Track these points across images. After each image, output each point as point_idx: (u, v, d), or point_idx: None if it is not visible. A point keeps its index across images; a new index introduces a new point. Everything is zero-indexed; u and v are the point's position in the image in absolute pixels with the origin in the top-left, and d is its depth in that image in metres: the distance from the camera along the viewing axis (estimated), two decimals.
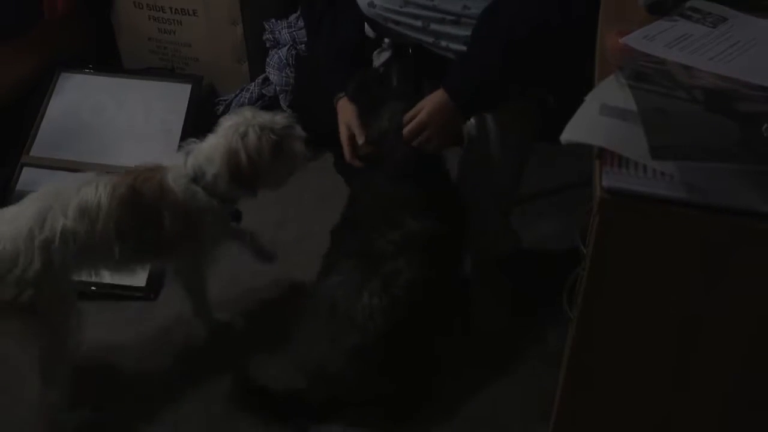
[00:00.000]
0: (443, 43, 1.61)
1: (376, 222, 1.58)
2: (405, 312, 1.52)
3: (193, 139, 1.68)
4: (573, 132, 0.96)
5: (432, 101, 1.56)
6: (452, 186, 1.72)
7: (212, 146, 1.63)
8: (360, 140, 1.64)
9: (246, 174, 1.60)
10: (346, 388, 1.58)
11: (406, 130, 1.57)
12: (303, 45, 2.46)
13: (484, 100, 1.58)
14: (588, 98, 1.02)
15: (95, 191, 1.55)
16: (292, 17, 2.52)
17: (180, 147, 1.71)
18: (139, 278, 1.99)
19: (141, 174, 1.63)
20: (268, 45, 2.53)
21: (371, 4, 1.62)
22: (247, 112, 1.65)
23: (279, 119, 1.65)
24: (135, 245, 1.60)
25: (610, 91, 1.02)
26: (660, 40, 1.19)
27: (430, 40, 1.62)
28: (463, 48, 1.59)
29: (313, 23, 1.81)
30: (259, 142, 1.60)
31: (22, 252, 1.47)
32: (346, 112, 1.69)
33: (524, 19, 1.50)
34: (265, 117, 1.64)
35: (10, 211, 1.55)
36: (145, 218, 1.60)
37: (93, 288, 1.96)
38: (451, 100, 1.54)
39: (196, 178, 1.63)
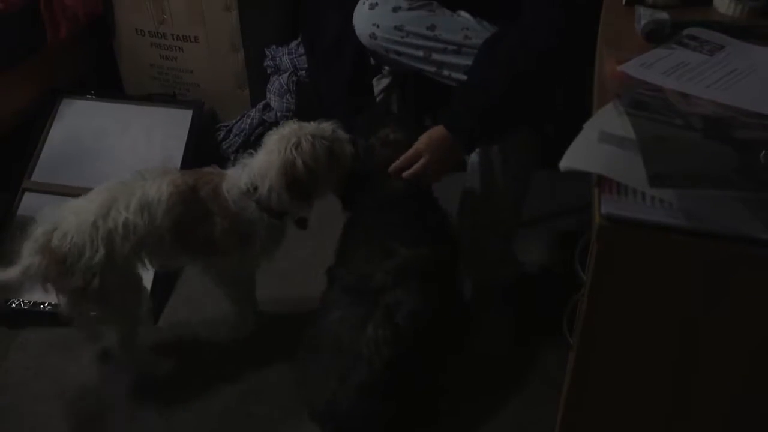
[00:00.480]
0: (445, 72, 1.62)
1: (369, 253, 1.57)
2: (410, 341, 1.51)
3: (251, 151, 1.70)
4: (572, 159, 0.97)
5: (430, 135, 1.56)
6: (440, 211, 1.72)
7: (265, 162, 1.62)
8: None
9: (304, 183, 1.60)
10: (357, 422, 1.56)
11: (401, 159, 1.57)
12: (303, 71, 2.48)
13: (484, 134, 1.58)
14: (587, 126, 1.02)
15: (157, 187, 1.61)
16: (293, 44, 2.54)
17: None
18: None
19: (203, 176, 1.68)
20: (269, 71, 2.55)
21: (372, 36, 1.63)
22: (293, 124, 1.65)
23: (325, 126, 1.65)
24: (186, 242, 1.65)
25: (608, 119, 1.03)
26: (658, 67, 1.20)
27: (432, 69, 1.63)
28: (465, 77, 1.60)
29: (322, 54, 1.82)
30: (314, 149, 1.59)
31: (88, 242, 1.55)
32: None
33: (523, 51, 1.50)
34: (311, 126, 1.64)
35: (77, 203, 1.63)
36: (199, 218, 1.64)
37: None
38: (450, 134, 1.54)
39: (249, 192, 1.64)
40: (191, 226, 1.63)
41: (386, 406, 1.54)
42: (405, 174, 1.57)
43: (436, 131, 1.55)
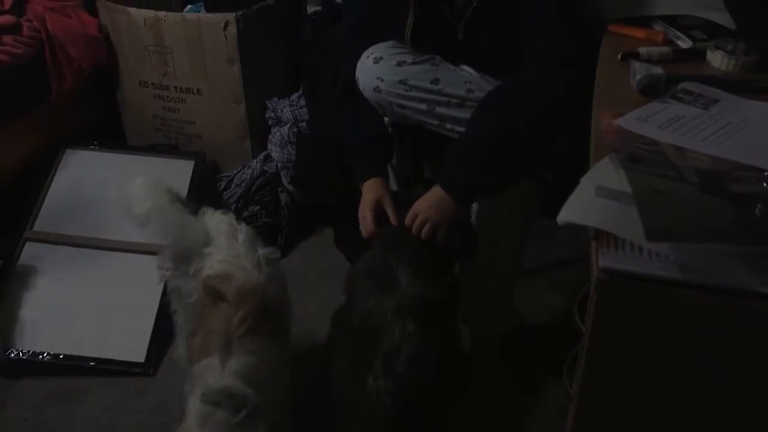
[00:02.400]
0: (448, 126, 1.64)
1: (370, 291, 1.55)
2: (412, 390, 1.48)
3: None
4: (569, 213, 0.98)
5: (427, 198, 1.57)
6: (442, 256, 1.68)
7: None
8: (392, 218, 1.65)
9: None
10: None
11: (413, 230, 1.58)
12: (304, 123, 2.50)
13: (478, 188, 1.59)
14: (583, 180, 1.03)
15: None
16: (294, 96, 2.57)
17: None
18: (138, 354, 1.98)
19: None
20: (270, 123, 2.58)
21: (377, 89, 1.65)
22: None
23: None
24: None
25: (605, 173, 1.04)
26: (653, 121, 1.22)
27: (435, 122, 1.65)
28: None
29: (333, 106, 1.83)
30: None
31: None
32: (378, 188, 1.69)
33: (515, 107, 1.52)
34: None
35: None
36: None
37: (92, 363, 1.95)
38: (447, 193, 1.56)
39: None
40: None
41: None
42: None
43: (433, 191, 1.57)
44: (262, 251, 1.49)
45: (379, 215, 1.65)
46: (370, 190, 1.68)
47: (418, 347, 1.48)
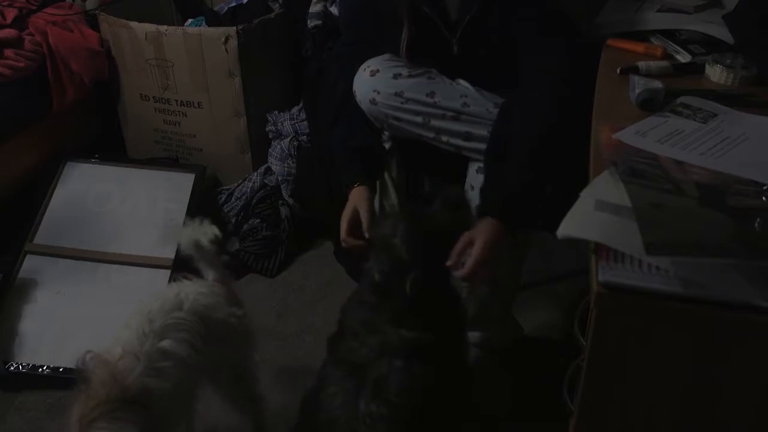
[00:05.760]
0: (444, 138, 1.65)
1: (358, 328, 1.48)
2: (407, 416, 1.45)
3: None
4: (569, 227, 0.98)
5: (485, 233, 1.47)
6: (450, 291, 1.60)
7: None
8: (365, 227, 1.61)
9: None
10: None
11: (464, 272, 1.48)
12: (305, 136, 2.51)
13: (529, 210, 1.53)
14: (583, 194, 1.04)
15: None
16: (294, 109, 2.58)
17: None
18: None
19: None
20: (270, 136, 2.58)
21: (373, 101, 1.66)
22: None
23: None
24: None
25: (604, 187, 1.05)
26: (652, 135, 1.23)
27: (431, 135, 1.66)
28: (463, 143, 1.62)
29: (328, 115, 1.84)
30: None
31: None
32: (358, 196, 1.67)
33: (532, 122, 1.53)
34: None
35: None
36: None
37: None
38: (501, 223, 1.49)
39: None
40: None
41: None
42: (463, 272, 1.48)
43: (490, 230, 1.48)
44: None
45: (355, 224, 1.63)
46: (351, 198, 1.68)
47: (405, 379, 1.41)
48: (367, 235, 1.60)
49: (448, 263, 1.47)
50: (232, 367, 1.62)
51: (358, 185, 1.68)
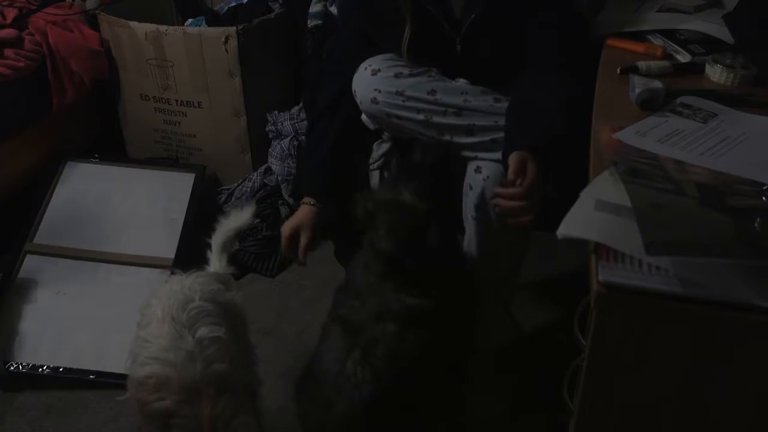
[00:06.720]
0: (446, 135, 1.65)
1: (362, 289, 1.53)
2: (389, 382, 1.45)
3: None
4: (569, 227, 0.98)
5: (519, 161, 1.47)
6: (459, 261, 1.65)
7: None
8: (303, 243, 1.74)
9: None
10: None
11: (522, 189, 1.46)
12: (304, 136, 2.51)
13: (557, 144, 1.53)
14: (583, 194, 1.04)
15: None
16: (294, 109, 2.58)
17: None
18: None
19: None
20: (270, 136, 2.58)
21: (374, 100, 1.66)
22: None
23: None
24: None
25: (604, 187, 1.05)
26: (652, 135, 1.23)
27: (433, 133, 1.66)
28: (466, 139, 1.63)
29: (310, 118, 1.87)
30: None
31: None
32: (306, 217, 1.77)
33: (568, 86, 1.57)
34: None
35: None
36: None
37: (92, 376, 1.95)
38: (532, 154, 1.48)
39: None
40: None
41: None
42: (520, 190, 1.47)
43: (523, 159, 1.47)
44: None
45: (294, 241, 1.76)
46: (300, 212, 1.79)
47: (396, 345, 1.45)
48: (302, 260, 1.76)
49: (510, 178, 1.47)
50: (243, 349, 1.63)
51: (312, 204, 1.78)
